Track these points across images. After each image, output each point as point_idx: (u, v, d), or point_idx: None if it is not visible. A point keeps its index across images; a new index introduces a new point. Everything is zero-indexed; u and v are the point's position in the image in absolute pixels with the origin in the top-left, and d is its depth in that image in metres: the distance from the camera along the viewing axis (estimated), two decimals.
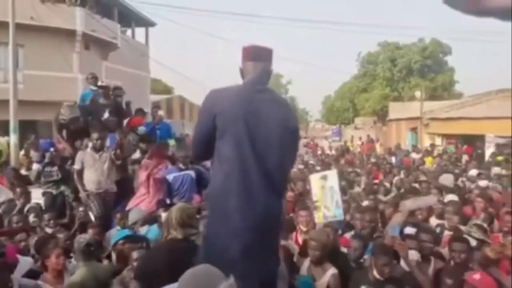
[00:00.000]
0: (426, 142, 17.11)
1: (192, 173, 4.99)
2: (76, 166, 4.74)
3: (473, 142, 15.21)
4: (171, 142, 5.93)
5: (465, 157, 11.56)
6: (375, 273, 2.63)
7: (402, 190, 6.05)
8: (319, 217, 3.38)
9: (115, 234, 3.96)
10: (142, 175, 4.84)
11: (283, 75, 44.55)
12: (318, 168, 9.26)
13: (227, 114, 1.90)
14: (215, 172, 2.00)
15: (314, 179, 3.51)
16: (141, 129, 5.86)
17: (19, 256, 3.25)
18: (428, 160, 10.58)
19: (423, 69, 31.18)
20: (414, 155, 12.04)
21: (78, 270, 2.75)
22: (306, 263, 3.03)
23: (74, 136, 5.39)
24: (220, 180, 1.94)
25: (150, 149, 5.15)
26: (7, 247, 3.27)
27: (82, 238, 2.83)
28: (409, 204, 3.79)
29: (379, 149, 15.99)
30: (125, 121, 6.02)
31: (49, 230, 3.77)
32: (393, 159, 11.55)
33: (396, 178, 7.61)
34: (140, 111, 6.42)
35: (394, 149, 14.27)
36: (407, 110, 21.43)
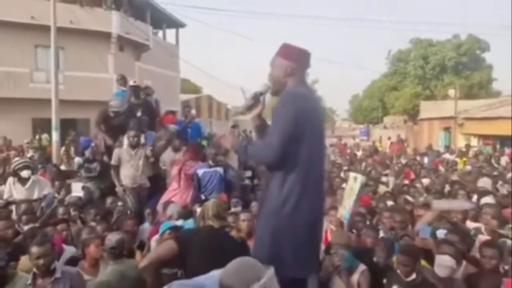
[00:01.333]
0: (461, 143, 16.47)
1: (220, 170, 5.17)
2: (113, 162, 5.02)
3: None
4: (204, 142, 6.12)
5: (504, 159, 11.03)
6: (400, 273, 2.66)
7: (432, 192, 5.91)
8: (339, 213, 3.59)
9: (147, 228, 4.20)
10: (173, 170, 5.04)
11: (309, 73, 44.23)
12: (345, 168, 9.20)
13: (311, 121, 2.04)
14: (290, 174, 2.03)
15: (351, 177, 3.62)
16: (173, 127, 6.09)
17: (64, 245, 3.52)
18: (462, 161, 10.21)
19: (457, 67, 29.93)
20: (447, 156, 11.65)
21: (107, 269, 2.86)
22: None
23: (114, 130, 5.60)
24: (295, 182, 2.03)
25: (186, 148, 5.33)
26: (55, 237, 3.52)
27: (109, 240, 2.90)
28: (442, 204, 3.75)
29: (408, 149, 15.54)
30: (157, 120, 6.26)
31: (92, 224, 4.00)
32: (425, 159, 11.23)
33: (426, 179, 7.42)
34: (171, 113, 6.67)
35: (425, 150, 13.84)
36: (440, 109, 20.69)
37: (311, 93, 2.20)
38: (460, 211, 4.01)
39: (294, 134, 1.98)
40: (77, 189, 5.62)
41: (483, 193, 5.35)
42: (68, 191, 5.34)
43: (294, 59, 2.11)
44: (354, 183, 3.39)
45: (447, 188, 6.28)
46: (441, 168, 9.16)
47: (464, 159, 10.64)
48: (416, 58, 31.35)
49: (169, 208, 4.21)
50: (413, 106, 28.31)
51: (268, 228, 2.08)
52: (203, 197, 4.78)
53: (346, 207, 3.36)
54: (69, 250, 3.47)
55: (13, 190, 4.73)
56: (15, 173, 4.77)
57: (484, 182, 6.24)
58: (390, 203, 4.82)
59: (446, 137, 19.73)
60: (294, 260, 1.98)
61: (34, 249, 2.61)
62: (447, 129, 19.81)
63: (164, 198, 4.83)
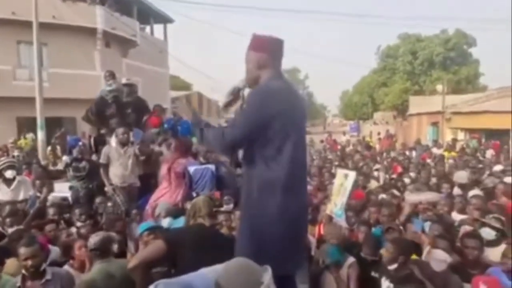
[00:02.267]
0: (448, 137, 16.71)
1: (212, 167, 5.10)
2: (102, 161, 4.91)
3: (498, 137, 14.75)
4: (194, 139, 6.04)
5: (490, 152, 11.22)
6: (390, 266, 2.65)
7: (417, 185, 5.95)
8: (328, 209, 3.54)
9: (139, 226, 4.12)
10: (163, 169, 4.96)
11: (300, 70, 44.26)
12: (336, 163, 9.24)
13: (283, 116, 1.93)
14: (265, 168, 1.97)
15: (339, 174, 3.61)
16: (166, 126, 6.03)
17: (50, 246, 3.43)
18: (450, 155, 10.34)
19: (445, 62, 30.31)
20: (435, 150, 11.79)
21: (93, 268, 2.79)
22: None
23: (103, 119, 5.49)
24: (275, 176, 1.95)
25: (173, 142, 5.25)
26: (39, 238, 3.44)
27: (90, 242, 2.81)
28: (411, 197, 3.85)
29: (397, 144, 15.71)
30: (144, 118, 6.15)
31: (78, 224, 3.92)
32: (414, 153, 11.36)
33: (413, 173, 7.49)
34: (158, 107, 6.54)
35: (414, 144, 14.01)
36: (428, 104, 20.93)
37: (286, 85, 2.06)
38: (431, 202, 4.09)
39: (258, 130, 1.95)
40: (63, 189, 5.51)
41: (468, 186, 5.45)
42: (50, 189, 5.18)
43: (265, 49, 2.02)
44: (345, 180, 3.36)
45: (433, 181, 6.34)
46: (430, 162, 9.26)
47: (453, 153, 10.78)
48: (405, 54, 31.64)
49: (158, 207, 4.14)
50: (402, 102, 28.58)
51: (252, 224, 2.05)
52: (194, 194, 4.71)
53: (337, 205, 3.33)
54: (55, 251, 3.40)
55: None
56: (0, 174, 4.63)
57: (460, 176, 6.20)
58: (383, 197, 4.85)
59: (434, 132, 19.99)
60: (279, 256, 1.93)
61: (22, 250, 2.56)
62: (435, 123, 20.07)
63: (154, 197, 4.74)
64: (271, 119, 1.92)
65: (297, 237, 2.03)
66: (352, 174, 3.42)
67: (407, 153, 11.84)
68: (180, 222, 3.67)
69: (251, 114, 1.99)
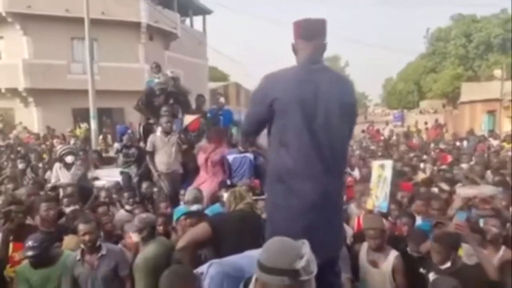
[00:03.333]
0: (507, 127, 15.47)
1: (250, 156, 5.15)
2: (148, 148, 5.16)
3: None
4: (233, 129, 6.13)
5: None
6: (443, 266, 2.54)
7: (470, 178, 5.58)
8: (369, 204, 3.41)
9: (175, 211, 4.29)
10: (200, 158, 5.09)
11: (340, 57, 42.87)
12: (379, 154, 8.94)
13: (286, 99, 1.90)
14: (276, 155, 2.00)
15: (375, 166, 3.49)
16: (209, 116, 6.19)
17: None
18: (509, 146, 9.56)
19: (504, 44, 27.82)
20: (492, 141, 10.98)
21: (149, 246, 2.96)
22: (363, 249, 3.01)
23: (152, 109, 5.74)
24: (282, 162, 1.95)
25: (208, 132, 5.37)
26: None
27: (140, 219, 3.02)
28: (464, 191, 3.61)
29: (446, 135, 14.81)
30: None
31: (127, 207, 4.17)
32: (465, 144, 10.65)
33: (465, 165, 7.05)
34: (201, 97, 6.69)
35: (466, 135, 13.14)
36: (483, 91, 19.41)
37: (306, 69, 1.94)
38: (487, 197, 3.79)
39: (262, 113, 1.98)
40: (115, 174, 5.88)
41: None
42: (87, 168, 5.50)
43: (297, 34, 2.00)
44: (382, 171, 3.24)
45: (489, 174, 5.92)
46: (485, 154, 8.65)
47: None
48: (457, 36, 29.52)
49: (187, 193, 4.28)
50: (453, 89, 26.85)
51: (268, 211, 2.09)
52: (228, 182, 4.80)
53: (380, 198, 3.21)
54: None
55: (60, 175, 5.00)
56: (60, 159, 5.03)
57: None
58: (431, 189, 4.62)
59: (490, 121, 18.58)
60: None
61: (81, 227, 2.81)
62: (491, 112, 18.64)
63: (195, 184, 4.90)
64: (269, 104, 1.92)
65: (312, 226, 1.92)
66: (388, 163, 3.29)
67: (458, 143, 11.13)
68: (216, 208, 3.78)
69: (250, 102, 2.09)
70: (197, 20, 22.27)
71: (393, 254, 2.86)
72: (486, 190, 3.80)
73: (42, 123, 14.90)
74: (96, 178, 5.64)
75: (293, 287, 1.35)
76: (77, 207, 3.73)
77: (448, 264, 2.52)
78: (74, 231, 3.08)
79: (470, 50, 28.98)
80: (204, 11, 21.67)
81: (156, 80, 5.93)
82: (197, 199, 3.92)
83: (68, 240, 3.16)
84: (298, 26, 2.00)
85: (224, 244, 2.38)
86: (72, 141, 11.09)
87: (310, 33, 1.98)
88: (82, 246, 2.83)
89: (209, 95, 19.73)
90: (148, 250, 2.92)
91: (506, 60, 24.27)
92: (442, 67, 30.32)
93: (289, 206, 1.94)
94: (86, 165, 5.41)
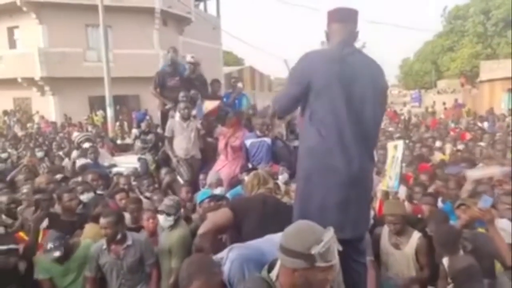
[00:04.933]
0: None
1: (268, 140, 5.15)
2: (167, 134, 5.22)
3: None
4: (244, 103, 6.15)
5: None
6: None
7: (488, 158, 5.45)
8: (384, 184, 3.43)
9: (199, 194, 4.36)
10: (220, 143, 5.12)
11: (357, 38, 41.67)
12: (398, 135, 8.82)
13: (322, 80, 1.97)
14: (311, 133, 2.05)
15: (390, 147, 3.48)
16: (226, 101, 6.18)
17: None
18: None
19: None
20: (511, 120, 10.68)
21: (179, 227, 3.04)
22: (385, 231, 3.01)
23: (168, 93, 5.73)
24: (317, 140, 2.01)
25: (228, 120, 5.38)
26: (110, 205, 3.74)
27: (167, 203, 3.08)
28: (472, 173, 3.56)
29: (465, 114, 14.44)
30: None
31: (147, 194, 4.23)
32: (486, 124, 10.39)
33: (484, 143, 6.89)
34: (216, 82, 6.67)
35: (486, 114, 12.79)
36: (503, 69, 18.70)
37: (341, 52, 2.01)
38: (496, 177, 3.71)
39: (300, 91, 2.03)
40: (133, 161, 5.97)
41: None
42: (97, 155, 5.48)
43: (330, 20, 2.11)
44: (395, 151, 3.24)
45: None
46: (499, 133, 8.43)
47: None
48: (476, 14, 28.43)
49: (209, 176, 4.32)
50: (472, 68, 26.05)
51: (297, 190, 2.16)
52: (250, 166, 4.83)
53: (392, 177, 3.22)
54: (126, 217, 3.64)
55: (77, 162, 5.10)
56: (78, 146, 5.12)
57: None
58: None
59: (510, 99, 18.01)
60: (326, 220, 1.85)
61: (102, 220, 2.85)
62: (511, 90, 18.04)
63: (215, 169, 4.95)
64: (306, 83, 1.98)
65: (343, 203, 1.99)
66: (400, 144, 3.29)
67: (479, 123, 10.87)
68: (238, 190, 3.82)
69: (288, 82, 2.13)
70: (211, 4, 22.05)
71: (416, 235, 2.86)
72: (495, 170, 3.73)
73: (59, 111, 15.14)
74: (114, 165, 5.73)
75: (310, 272, 1.36)
76: (92, 194, 3.78)
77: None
78: (94, 219, 3.13)
79: (489, 28, 27.88)
80: None
81: (168, 56, 5.90)
82: (220, 182, 3.97)
83: (89, 229, 3.19)
84: (333, 12, 2.10)
85: (245, 228, 2.38)
86: (89, 128, 11.26)
87: (345, 18, 2.09)
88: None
89: (224, 80, 19.69)
90: (182, 231, 2.98)
91: None
92: (460, 46, 29.33)
93: (323, 182, 1.99)
94: (97, 152, 5.44)
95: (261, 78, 29.99)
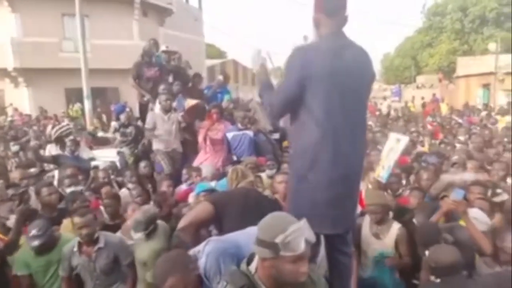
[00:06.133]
0: (502, 100, 15.53)
1: (250, 133, 5.13)
2: (148, 126, 5.09)
3: None
4: (226, 97, 6.11)
5: None
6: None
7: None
8: (376, 172, 3.44)
9: (185, 188, 4.30)
10: (200, 137, 5.08)
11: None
12: (377, 129, 8.95)
13: (317, 76, 1.91)
14: (304, 128, 2.01)
15: (392, 138, 3.50)
16: (205, 94, 6.10)
17: (102, 208, 3.65)
18: (504, 119, 9.62)
19: (499, 18, 27.57)
20: (486, 114, 11.03)
21: (155, 239, 2.88)
22: (366, 221, 3.06)
23: (148, 84, 5.64)
24: (310, 135, 1.98)
25: (208, 113, 5.32)
26: (93, 201, 3.66)
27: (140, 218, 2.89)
28: (445, 177, 3.64)
29: (444, 109, 14.83)
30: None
31: (130, 186, 4.14)
32: (461, 121, 10.70)
33: (461, 137, 7.10)
34: (197, 76, 6.59)
35: (463, 108, 13.18)
36: (478, 65, 19.36)
37: (335, 45, 1.95)
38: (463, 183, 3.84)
39: (296, 91, 1.96)
40: (112, 155, 5.84)
41: None
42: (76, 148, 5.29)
43: (319, 8, 2.01)
44: (396, 144, 3.26)
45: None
46: (477, 127, 8.71)
47: (506, 117, 10.03)
48: (453, 11, 29.14)
49: (204, 169, 4.29)
50: (449, 63, 26.73)
51: (289, 186, 2.16)
52: (235, 158, 4.80)
53: (385, 167, 3.27)
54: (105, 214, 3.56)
55: (52, 153, 4.91)
56: (58, 140, 4.94)
57: None
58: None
59: (485, 95, 18.63)
60: (319, 216, 1.94)
61: (77, 220, 2.71)
62: (486, 86, 18.66)
63: (197, 162, 4.90)
64: (301, 79, 1.92)
65: (337, 198, 1.99)
66: (404, 139, 3.30)
67: (454, 117, 11.18)
68: (223, 184, 3.79)
69: (286, 80, 2.02)
70: None
71: (395, 226, 2.91)
72: (467, 177, 3.83)
73: (34, 104, 14.62)
74: (92, 159, 5.59)
75: (278, 262, 1.37)
76: (79, 188, 3.66)
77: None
78: (72, 214, 2.99)
79: (466, 25, 28.66)
80: None
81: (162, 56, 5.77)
82: (215, 175, 3.92)
83: (67, 223, 3.09)
84: (322, 1, 2.01)
85: (226, 222, 2.37)
86: (65, 122, 10.91)
87: (334, 8, 1.99)
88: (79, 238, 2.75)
89: (206, 73, 19.46)
90: (156, 243, 2.83)
91: (500, 33, 24.09)
92: (439, 42, 30.03)
93: (315, 178, 1.98)
94: (76, 145, 5.27)
95: (244, 71, 29.81)
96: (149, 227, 2.81)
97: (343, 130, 1.94)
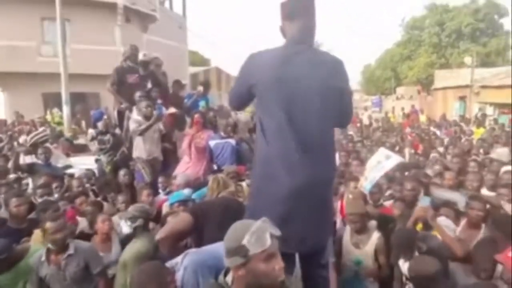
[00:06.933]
0: (476, 112, 16.10)
1: (232, 141, 5.11)
2: (133, 126, 4.88)
3: None
4: (202, 104, 6.08)
5: None
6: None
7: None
8: (360, 183, 3.53)
9: (163, 198, 4.22)
10: (184, 144, 5.02)
11: (323, 43, 42.60)
12: (358, 139, 9.09)
13: (263, 84, 1.82)
14: (258, 141, 1.97)
15: (381, 153, 3.55)
16: (185, 102, 6.03)
17: (78, 218, 3.54)
18: (479, 131, 9.95)
19: (474, 33, 28.81)
20: (463, 126, 11.38)
21: (141, 240, 2.84)
22: (347, 231, 3.08)
23: (128, 91, 5.47)
24: (261, 149, 1.92)
25: (192, 120, 5.28)
26: (68, 210, 3.55)
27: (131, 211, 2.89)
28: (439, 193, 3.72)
29: (423, 119, 15.25)
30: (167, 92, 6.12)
31: (107, 195, 4.03)
32: (438, 133, 11.00)
33: (441, 148, 7.30)
34: (177, 83, 6.53)
35: (439, 120, 13.57)
36: (455, 78, 20.09)
37: (287, 51, 1.83)
38: (476, 178, 4.01)
39: (242, 96, 1.97)
40: (89, 162, 5.68)
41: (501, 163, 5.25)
42: (49, 156, 5.10)
43: (282, 16, 1.91)
44: (385, 160, 3.31)
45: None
46: (462, 136, 8.98)
47: (481, 128, 10.38)
48: (431, 25, 30.27)
49: (178, 177, 4.22)
50: (427, 76, 27.61)
51: (248, 197, 2.10)
52: (215, 167, 4.75)
53: (368, 179, 3.31)
54: (84, 223, 3.49)
55: (26, 161, 4.74)
56: (35, 146, 4.77)
57: (501, 154, 6.04)
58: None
59: (462, 107, 19.27)
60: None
61: (49, 225, 2.61)
62: (462, 98, 19.32)
63: (177, 171, 4.83)
64: (250, 87, 1.88)
65: (292, 214, 1.83)
66: (395, 158, 3.35)
67: (432, 128, 11.49)
68: (202, 193, 3.74)
69: (237, 86, 2.02)
70: (177, 3, 21.64)
71: (375, 235, 2.94)
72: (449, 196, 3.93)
73: (10, 108, 14.17)
74: (69, 166, 5.42)
75: (251, 265, 1.33)
76: (52, 198, 3.53)
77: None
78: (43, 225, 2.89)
79: (443, 39, 29.79)
80: None
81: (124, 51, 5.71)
82: (189, 183, 3.86)
83: (37, 234, 2.95)
84: (283, 7, 1.90)
85: (206, 233, 2.32)
86: (41, 129, 10.60)
87: (294, 12, 1.86)
88: (49, 245, 2.63)
89: (189, 80, 19.36)
90: (142, 244, 2.76)
91: (475, 48, 25.12)
92: (417, 55, 31.03)
93: (268, 192, 1.87)
94: (48, 152, 5.11)
95: (227, 79, 29.83)
96: (137, 221, 2.77)
97: (294, 143, 1.79)
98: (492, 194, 3.93)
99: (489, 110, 16.28)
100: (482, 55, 25.38)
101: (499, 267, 2.38)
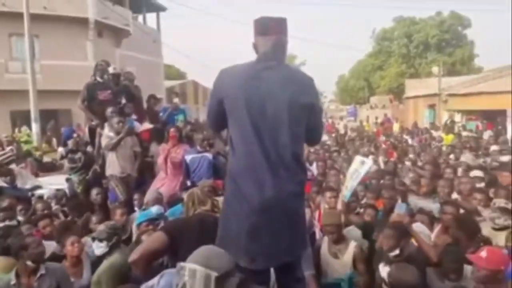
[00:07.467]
0: (446, 120, 16.76)
1: (209, 156, 5.05)
2: (105, 141, 4.75)
3: (494, 118, 14.80)
4: (179, 118, 6.01)
5: (488, 133, 11.24)
6: (392, 253, 2.64)
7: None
8: (342, 193, 3.61)
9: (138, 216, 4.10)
10: (159, 159, 4.93)
11: (297, 56, 43.44)
12: (334, 148, 9.21)
13: (232, 99, 1.83)
14: (229, 156, 1.99)
15: (357, 160, 3.64)
16: (161, 116, 5.95)
17: (43, 242, 3.36)
18: (449, 137, 10.33)
19: (440, 44, 30.23)
20: (433, 133, 11.79)
21: (115, 254, 2.79)
22: (325, 242, 3.09)
23: (99, 107, 5.30)
24: (231, 164, 1.92)
25: (168, 135, 5.20)
26: (33, 233, 3.37)
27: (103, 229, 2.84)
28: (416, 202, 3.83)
29: (397, 128, 15.72)
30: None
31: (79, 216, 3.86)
32: (410, 140, 11.34)
33: (412, 155, 7.52)
34: (152, 97, 6.45)
35: (411, 128, 14.02)
36: (424, 87, 20.91)
37: (255, 67, 1.85)
38: (448, 184, 4.13)
39: (216, 112, 1.95)
40: (60, 181, 5.46)
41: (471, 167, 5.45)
42: (13, 179, 4.95)
43: (255, 31, 1.92)
44: (361, 166, 3.40)
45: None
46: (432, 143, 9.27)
47: (451, 135, 10.78)
48: (400, 37, 31.53)
49: (147, 194, 4.12)
50: (398, 85, 28.58)
51: (220, 215, 2.06)
52: (189, 183, 4.67)
53: (348, 187, 3.41)
54: (50, 246, 3.32)
55: None
56: (1, 167, 4.55)
57: (468, 158, 6.30)
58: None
59: (431, 114, 20.01)
60: (238, 250, 1.82)
61: (29, 240, 2.62)
62: (432, 106, 20.09)
63: (153, 187, 4.71)
64: (220, 102, 1.88)
65: (260, 229, 1.81)
66: (368, 162, 3.47)
67: (404, 136, 11.84)
68: (178, 210, 3.66)
69: (210, 100, 2.03)
70: (151, 17, 21.58)
71: (352, 244, 2.98)
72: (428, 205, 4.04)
73: None
74: (38, 187, 5.18)
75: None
76: (14, 222, 3.36)
77: (397, 252, 2.61)
78: (4, 251, 2.81)
79: (411, 49, 31.11)
80: (158, 8, 20.99)
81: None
82: (158, 200, 3.75)
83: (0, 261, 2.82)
84: (256, 23, 1.92)
85: (182, 251, 2.19)
86: (8, 148, 10.16)
87: (267, 28, 1.88)
88: (17, 268, 2.55)
89: (165, 94, 19.17)
90: (116, 258, 2.71)
91: (442, 58, 26.33)
92: (388, 65, 32.16)
93: (237, 208, 1.86)
94: (12, 174, 4.88)
95: (204, 92, 29.75)
96: (112, 239, 2.71)
97: (262, 159, 1.79)
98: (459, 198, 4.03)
99: (457, 117, 16.98)
100: (448, 65, 26.59)
101: (468, 268, 2.45)
